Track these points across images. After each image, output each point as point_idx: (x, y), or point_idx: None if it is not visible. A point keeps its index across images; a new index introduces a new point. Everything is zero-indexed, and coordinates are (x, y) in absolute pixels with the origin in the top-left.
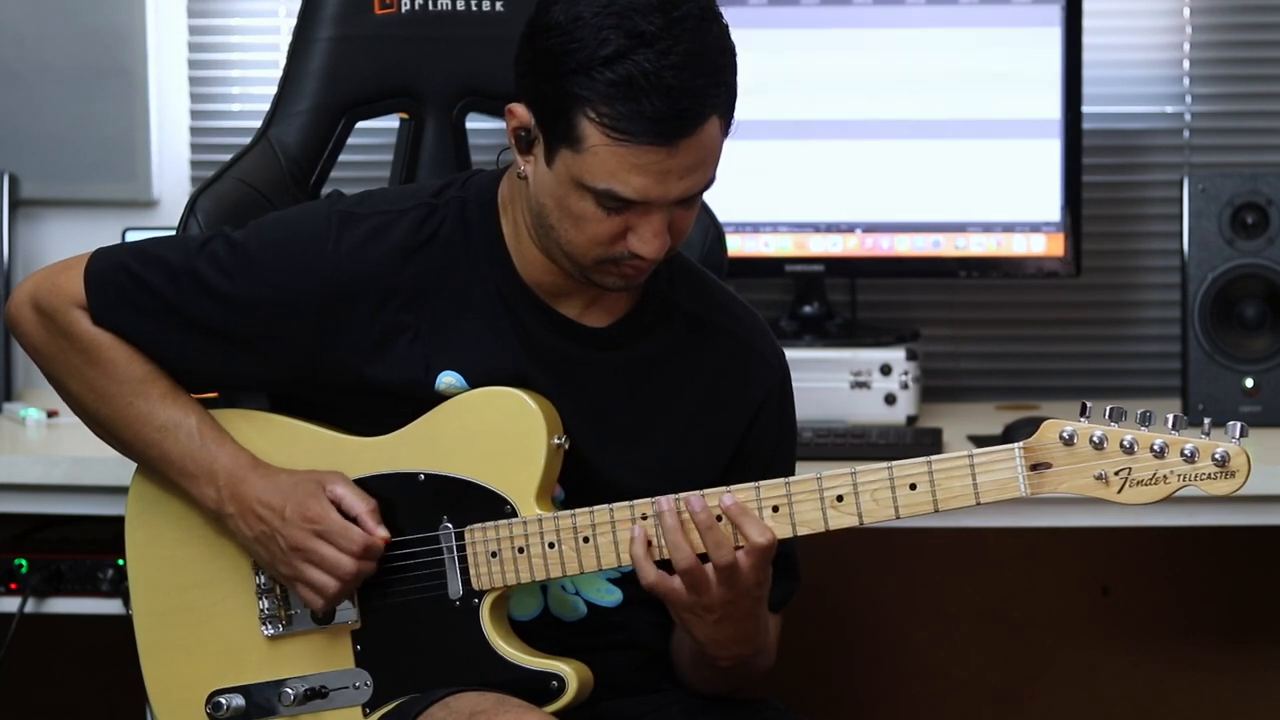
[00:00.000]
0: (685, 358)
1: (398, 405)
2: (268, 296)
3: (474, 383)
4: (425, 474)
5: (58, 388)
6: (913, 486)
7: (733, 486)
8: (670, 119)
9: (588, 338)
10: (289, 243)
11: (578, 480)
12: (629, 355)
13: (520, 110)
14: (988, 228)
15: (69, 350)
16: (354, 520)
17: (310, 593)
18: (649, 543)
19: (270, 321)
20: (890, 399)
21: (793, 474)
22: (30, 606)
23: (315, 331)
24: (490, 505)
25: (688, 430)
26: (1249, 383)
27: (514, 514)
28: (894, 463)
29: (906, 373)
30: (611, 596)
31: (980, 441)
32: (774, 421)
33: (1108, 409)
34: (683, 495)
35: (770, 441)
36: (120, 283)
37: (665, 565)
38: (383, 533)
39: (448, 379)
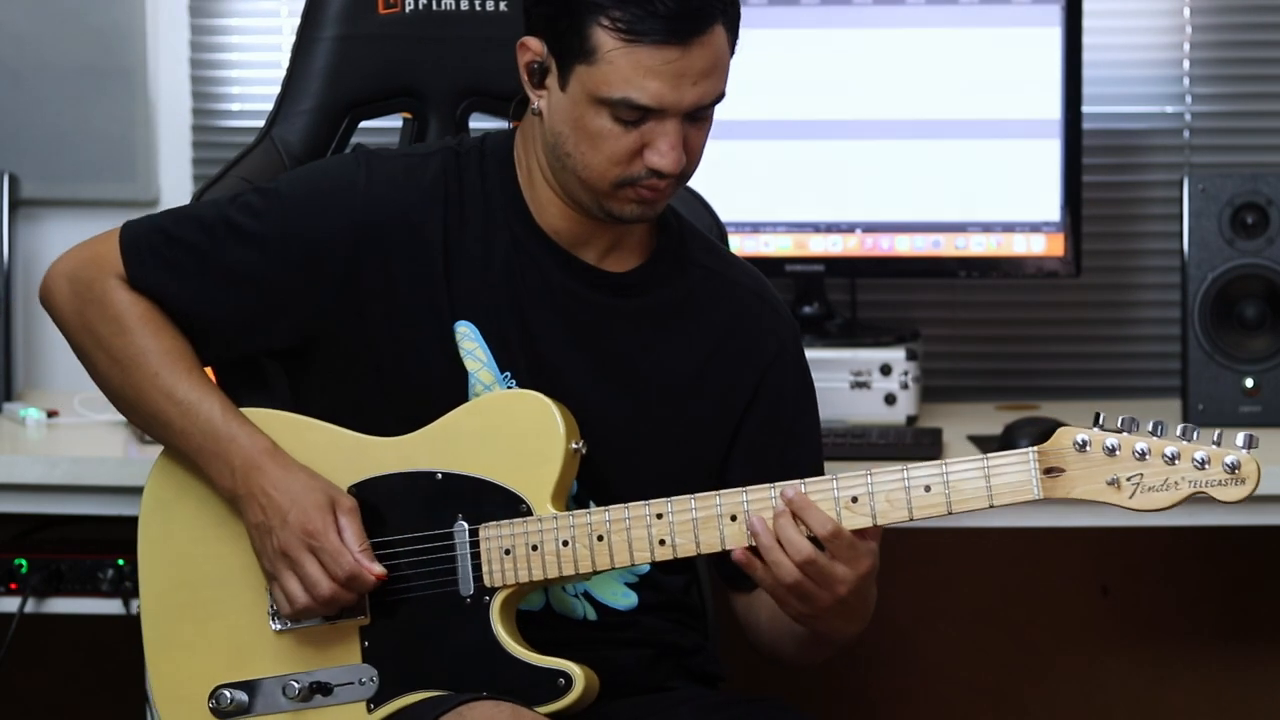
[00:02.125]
0: (702, 305)
1: (412, 352)
2: (301, 233)
3: (487, 333)
4: (443, 473)
5: (85, 362)
6: (927, 489)
7: (749, 487)
8: (682, 17)
9: (608, 283)
10: (319, 182)
11: (591, 434)
12: (649, 300)
13: (532, 41)
14: (988, 228)
15: (100, 320)
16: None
17: (281, 598)
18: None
19: (303, 258)
20: (890, 399)
21: (819, 437)
22: (30, 606)
23: (346, 267)
24: (506, 504)
25: (704, 377)
26: (1249, 383)
27: (529, 513)
28: (909, 465)
29: (906, 373)
30: (627, 600)
31: (980, 441)
32: (792, 376)
33: (1120, 418)
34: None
35: (790, 395)
36: (155, 244)
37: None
38: (378, 569)
39: (463, 329)
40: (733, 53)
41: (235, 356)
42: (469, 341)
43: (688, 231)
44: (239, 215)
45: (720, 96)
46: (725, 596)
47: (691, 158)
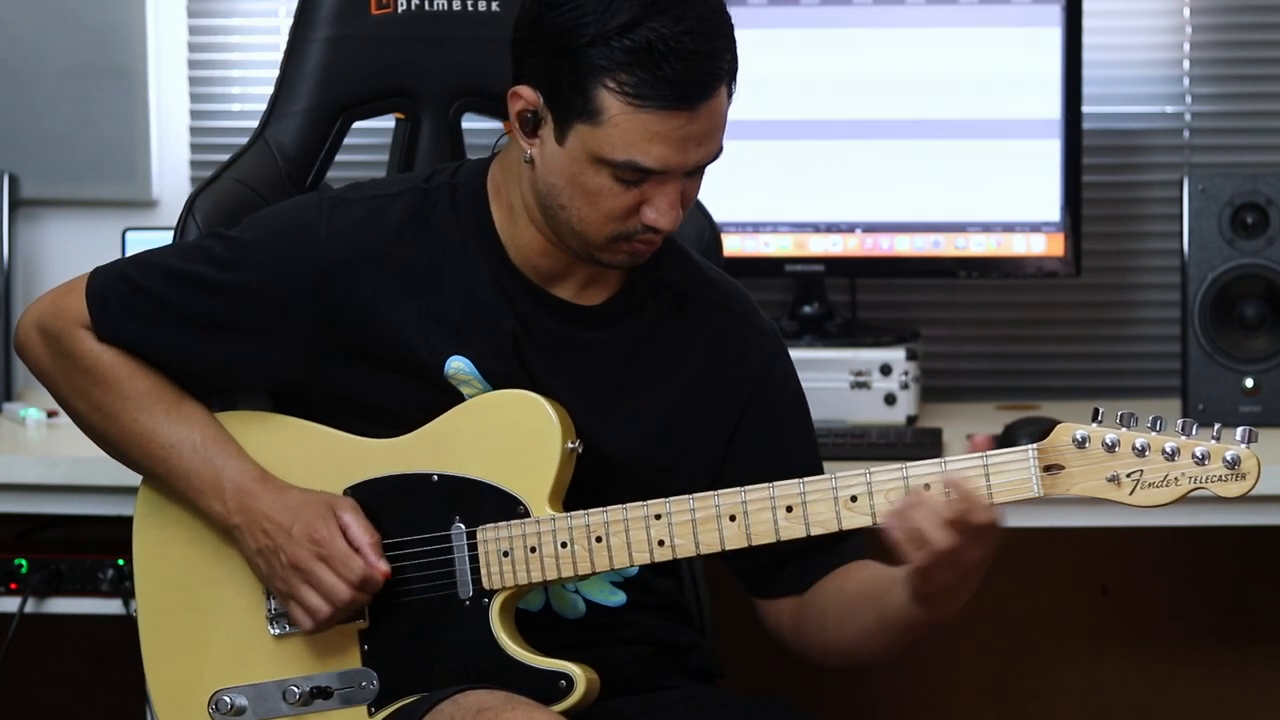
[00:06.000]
0: (678, 331)
1: (404, 393)
2: (265, 283)
3: (481, 366)
4: (439, 475)
5: (66, 409)
6: (926, 487)
7: (748, 488)
8: (690, 82)
9: (583, 317)
10: (282, 229)
11: (582, 464)
12: (624, 331)
13: (526, 92)
14: (988, 228)
15: (74, 370)
16: (356, 550)
17: (302, 613)
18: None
19: (270, 308)
20: (890, 399)
21: (815, 446)
22: (30, 606)
23: (315, 315)
24: (503, 506)
25: (687, 403)
26: (1249, 383)
27: (527, 514)
28: (909, 464)
29: (906, 373)
30: (615, 598)
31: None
32: (778, 390)
33: (1119, 414)
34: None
35: (781, 411)
36: (121, 293)
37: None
38: (384, 567)
39: (456, 364)
40: (730, 103)
41: (214, 395)
42: (463, 374)
43: (664, 250)
44: (203, 266)
45: (719, 153)
46: (722, 598)
47: (686, 209)
